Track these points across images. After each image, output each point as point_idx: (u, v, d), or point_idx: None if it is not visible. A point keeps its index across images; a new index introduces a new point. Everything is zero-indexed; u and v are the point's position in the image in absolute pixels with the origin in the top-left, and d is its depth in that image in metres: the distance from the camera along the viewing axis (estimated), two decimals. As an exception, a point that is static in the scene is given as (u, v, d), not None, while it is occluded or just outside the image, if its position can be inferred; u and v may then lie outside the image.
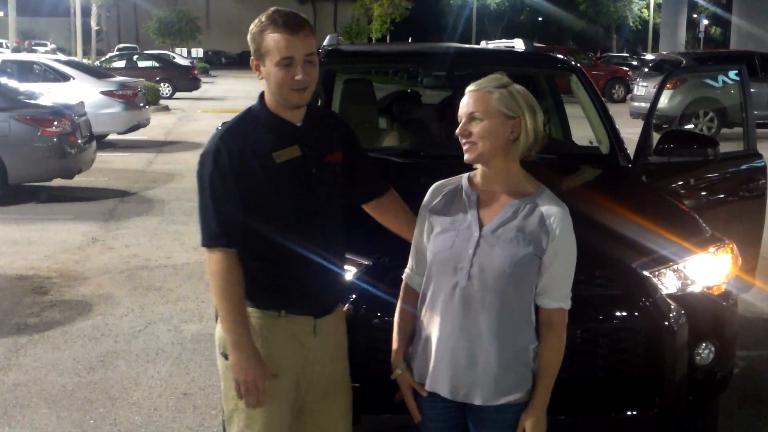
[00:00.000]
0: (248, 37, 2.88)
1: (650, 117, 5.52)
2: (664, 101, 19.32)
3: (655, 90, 20.38)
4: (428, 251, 2.89)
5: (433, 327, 2.85)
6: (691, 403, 3.77)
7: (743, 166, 5.75)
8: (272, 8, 2.91)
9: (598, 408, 3.57)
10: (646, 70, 24.98)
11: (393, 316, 3.07)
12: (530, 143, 2.80)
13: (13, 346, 6.04)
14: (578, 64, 6.16)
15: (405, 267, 3.07)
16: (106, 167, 14.24)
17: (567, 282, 2.84)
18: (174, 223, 10.35)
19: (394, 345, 3.01)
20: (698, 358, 3.80)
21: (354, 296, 3.50)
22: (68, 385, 5.39)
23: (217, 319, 3.05)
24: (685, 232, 4.04)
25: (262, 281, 2.94)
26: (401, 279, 3.08)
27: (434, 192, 2.96)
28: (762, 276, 6.24)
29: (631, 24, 69.93)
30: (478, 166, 2.87)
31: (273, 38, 2.82)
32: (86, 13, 47.16)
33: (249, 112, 3.00)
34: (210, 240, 2.89)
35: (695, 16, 56.13)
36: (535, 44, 10.40)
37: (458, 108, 2.85)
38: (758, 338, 6.35)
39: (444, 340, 2.81)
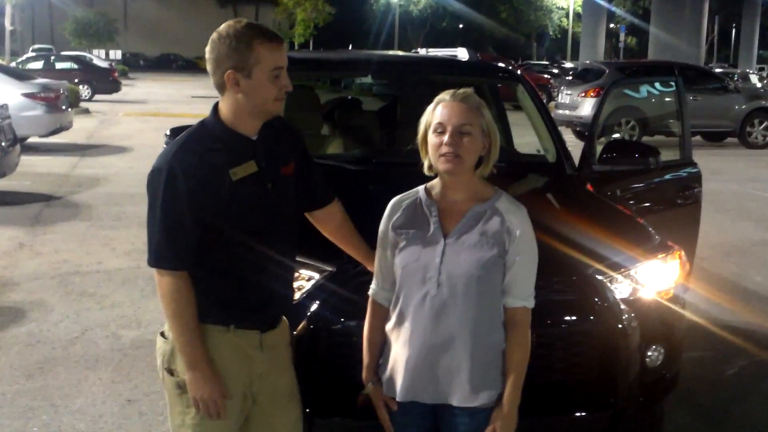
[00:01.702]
0: (221, 51, 2.79)
1: (593, 127, 5.60)
2: (588, 109, 19.74)
3: (580, 98, 21.03)
4: (395, 266, 2.92)
5: (403, 338, 2.88)
6: (642, 404, 3.88)
7: (680, 174, 5.93)
8: (240, 20, 2.89)
9: (556, 410, 3.64)
10: (569, 78, 25.43)
11: (356, 321, 3.08)
12: (495, 160, 2.91)
13: (-55, 355, 5.87)
14: (522, 74, 6.27)
15: (369, 273, 3.10)
16: (29, 171, 13.90)
17: (529, 281, 2.91)
18: (102, 228, 10.18)
19: (365, 360, 3.03)
20: (648, 360, 3.92)
21: (318, 301, 3.50)
22: (8, 393, 5.26)
23: (161, 331, 3.00)
24: (636, 239, 4.16)
25: (213, 296, 2.91)
26: (365, 285, 3.11)
27: (393, 208, 2.99)
28: (696, 279, 6.43)
29: (552, 33, 71.35)
30: (442, 177, 2.92)
31: (266, 48, 2.79)
32: (0, 13, 45.93)
33: (202, 126, 2.92)
34: (159, 262, 2.83)
35: (613, 26, 57.42)
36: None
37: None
38: (693, 340, 6.50)
39: (417, 349, 2.84)
